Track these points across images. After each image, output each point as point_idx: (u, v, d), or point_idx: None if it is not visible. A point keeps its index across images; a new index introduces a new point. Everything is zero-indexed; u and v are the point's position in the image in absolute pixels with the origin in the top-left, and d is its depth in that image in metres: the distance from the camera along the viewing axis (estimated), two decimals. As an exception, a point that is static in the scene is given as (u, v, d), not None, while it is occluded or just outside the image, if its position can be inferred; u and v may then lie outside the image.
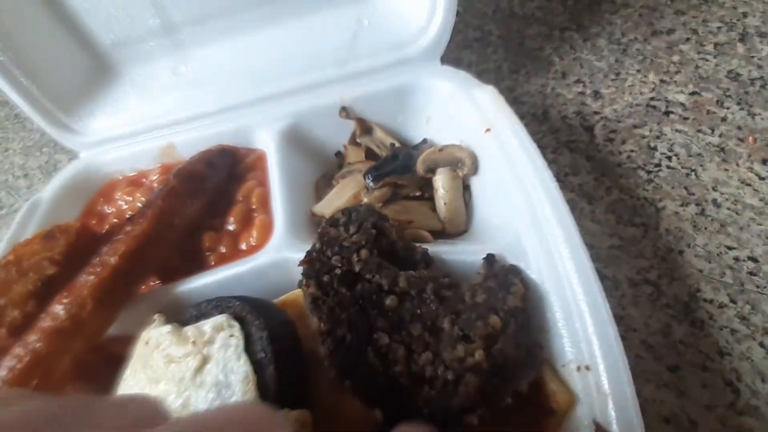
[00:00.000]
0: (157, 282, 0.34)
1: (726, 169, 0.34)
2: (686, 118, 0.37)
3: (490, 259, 0.28)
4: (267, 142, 0.38)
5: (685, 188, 0.34)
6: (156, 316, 0.29)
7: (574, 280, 0.24)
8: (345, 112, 0.38)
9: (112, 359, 0.29)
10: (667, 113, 0.38)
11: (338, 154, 0.41)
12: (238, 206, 0.36)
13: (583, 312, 0.24)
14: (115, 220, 0.39)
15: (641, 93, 0.39)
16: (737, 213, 0.32)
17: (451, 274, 0.28)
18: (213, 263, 0.34)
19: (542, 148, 0.39)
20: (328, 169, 0.40)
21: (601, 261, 0.32)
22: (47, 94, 0.39)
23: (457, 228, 0.33)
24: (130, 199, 0.39)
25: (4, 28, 0.36)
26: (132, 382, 0.26)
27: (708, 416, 0.25)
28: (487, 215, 0.32)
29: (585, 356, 0.23)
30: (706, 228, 0.32)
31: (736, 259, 0.30)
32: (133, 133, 0.41)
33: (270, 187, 0.36)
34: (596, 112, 0.39)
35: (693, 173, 0.34)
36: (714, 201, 0.33)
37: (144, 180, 0.41)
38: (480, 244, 0.29)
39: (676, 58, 0.41)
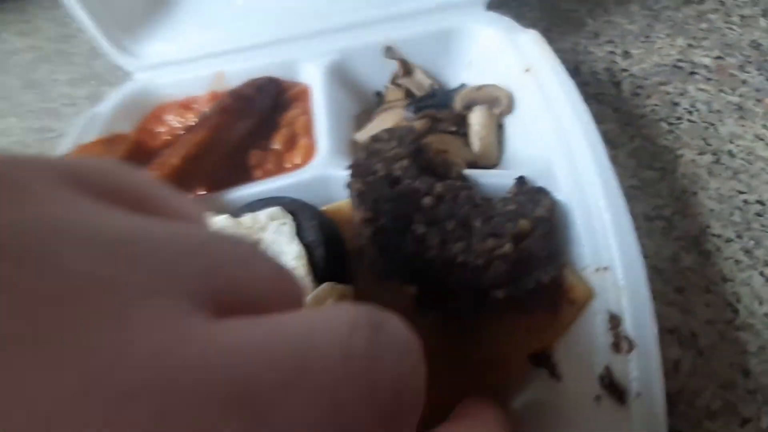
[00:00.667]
0: (207, 192, 0.37)
1: (743, 125, 0.36)
2: (709, 79, 0.39)
3: (521, 179, 0.30)
4: (312, 76, 0.41)
5: (703, 139, 0.36)
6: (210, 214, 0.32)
7: (599, 195, 0.27)
8: (390, 51, 0.40)
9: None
10: (692, 73, 0.40)
11: (378, 93, 0.43)
12: (283, 130, 0.39)
13: (605, 221, 0.26)
14: (168, 139, 0.41)
15: (669, 55, 0.42)
16: (750, 163, 0.34)
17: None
18: (258, 179, 0.37)
19: (571, 98, 0.41)
20: (367, 107, 0.42)
21: (620, 198, 0.34)
22: (109, 16, 0.42)
23: (489, 161, 0.36)
24: (182, 120, 0.42)
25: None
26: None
27: (708, 329, 0.28)
28: (519, 150, 0.35)
29: (604, 260, 0.26)
30: (720, 174, 0.34)
31: (746, 201, 0.33)
32: (186, 60, 0.43)
33: (313, 117, 0.39)
34: (624, 70, 0.42)
35: (712, 127, 0.37)
36: (729, 152, 0.35)
37: (194, 105, 0.44)
38: (512, 171, 0.32)
39: (704, 25, 0.43)
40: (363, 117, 0.42)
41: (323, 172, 0.34)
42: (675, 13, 0.45)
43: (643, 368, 0.22)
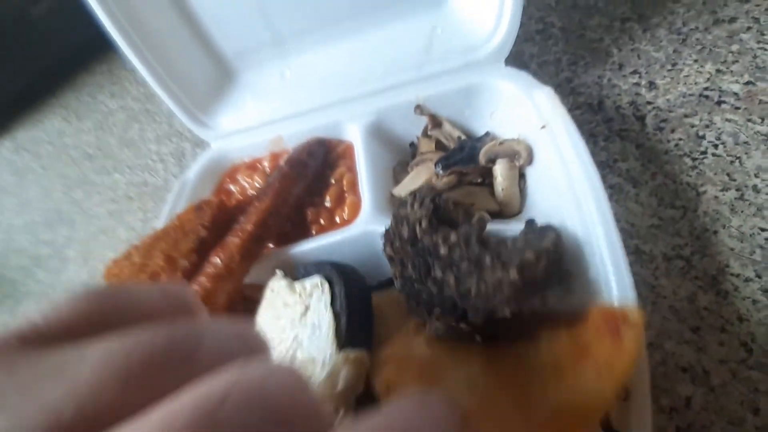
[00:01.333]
0: (275, 246, 0.45)
1: (771, 157, 0.37)
2: (737, 108, 0.40)
3: (530, 221, 0.34)
4: (355, 135, 0.47)
5: (728, 174, 0.37)
6: (277, 270, 0.39)
7: (603, 246, 0.30)
8: (419, 109, 0.45)
9: (249, 300, 0.40)
10: (719, 103, 0.40)
11: (412, 144, 0.48)
12: (333, 188, 0.46)
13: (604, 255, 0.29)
14: (239, 197, 0.50)
15: (695, 83, 0.42)
16: (775, 198, 0.35)
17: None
18: (315, 232, 0.44)
19: (594, 136, 0.44)
20: (403, 157, 0.48)
21: (640, 238, 0.37)
22: (187, 96, 0.50)
23: (512, 210, 0.40)
24: (249, 180, 0.50)
25: (154, 40, 0.48)
26: (264, 317, 0.37)
27: (721, 368, 0.31)
28: (538, 201, 0.38)
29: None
30: (742, 211, 0.35)
31: None
32: (250, 127, 0.51)
33: (357, 173, 0.45)
34: (649, 102, 0.43)
35: (737, 160, 0.37)
36: (754, 186, 0.36)
37: (258, 165, 0.52)
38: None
39: (735, 47, 0.43)
40: (400, 167, 0.47)
41: (366, 228, 0.40)
42: (704, 35, 0.45)
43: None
